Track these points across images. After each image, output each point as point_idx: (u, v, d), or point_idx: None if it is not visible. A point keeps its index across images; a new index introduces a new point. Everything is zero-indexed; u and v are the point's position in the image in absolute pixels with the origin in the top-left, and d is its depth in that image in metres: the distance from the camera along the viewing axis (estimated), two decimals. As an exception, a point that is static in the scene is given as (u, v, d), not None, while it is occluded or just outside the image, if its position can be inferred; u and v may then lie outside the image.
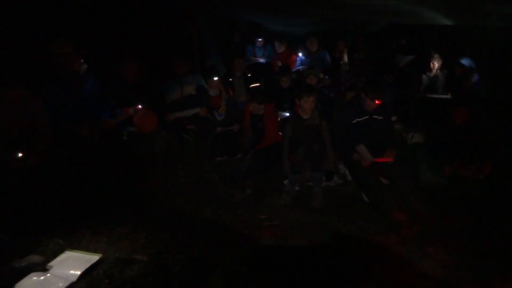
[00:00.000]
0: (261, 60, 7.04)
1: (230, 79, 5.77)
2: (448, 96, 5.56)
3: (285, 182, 4.18)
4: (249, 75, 6.05)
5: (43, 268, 2.87)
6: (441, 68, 5.75)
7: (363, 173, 3.88)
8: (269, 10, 6.44)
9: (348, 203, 3.95)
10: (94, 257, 2.98)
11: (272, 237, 3.31)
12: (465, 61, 5.47)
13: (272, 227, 3.48)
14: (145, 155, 4.21)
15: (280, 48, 6.88)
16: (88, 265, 2.88)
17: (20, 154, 3.37)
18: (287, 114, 5.37)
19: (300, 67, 6.69)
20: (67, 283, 2.71)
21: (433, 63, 5.70)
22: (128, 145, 4.14)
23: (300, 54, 6.78)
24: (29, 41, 4.10)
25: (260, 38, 7.11)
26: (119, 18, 5.16)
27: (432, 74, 5.76)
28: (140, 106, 4.07)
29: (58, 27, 4.22)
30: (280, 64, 6.59)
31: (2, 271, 2.71)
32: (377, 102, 3.76)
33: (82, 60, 3.95)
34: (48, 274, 2.81)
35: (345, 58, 6.98)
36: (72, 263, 2.93)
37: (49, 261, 2.97)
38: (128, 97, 4.19)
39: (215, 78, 5.09)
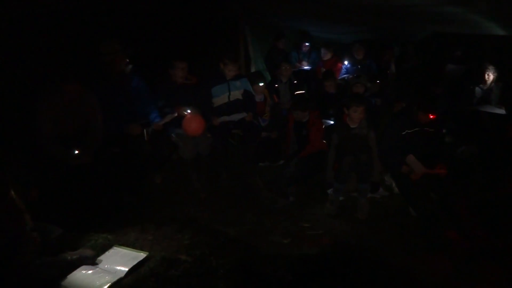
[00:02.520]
0: (306, 67, 7.01)
1: (276, 85, 5.79)
2: (503, 111, 5.28)
3: (329, 191, 4.12)
4: (295, 81, 6.05)
5: (93, 262, 2.96)
6: (497, 80, 5.48)
7: (411, 186, 3.75)
8: (316, 18, 6.41)
9: (394, 217, 3.82)
10: (141, 255, 3.05)
11: (316, 246, 3.26)
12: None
13: (316, 237, 3.43)
14: (190, 157, 4.27)
15: (326, 56, 6.83)
16: (135, 262, 2.94)
17: (76, 152, 3.52)
18: (332, 122, 5.31)
19: (345, 75, 6.60)
20: (115, 278, 2.78)
21: (487, 75, 5.42)
22: (175, 146, 4.22)
23: (345, 62, 6.70)
24: (82, 42, 4.29)
25: (307, 43, 7.08)
26: (170, 22, 5.32)
27: (486, 87, 5.49)
28: (188, 109, 4.14)
29: (111, 29, 4.40)
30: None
31: (56, 262, 2.82)
32: (431, 116, 3.65)
33: (127, 60, 4.06)
34: (98, 268, 2.90)
35: (393, 67, 6.83)
36: (120, 259, 3.01)
37: (99, 255, 3.06)
38: (177, 99, 4.29)
39: (261, 84, 5.12)
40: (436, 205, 3.74)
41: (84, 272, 2.85)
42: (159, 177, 4.45)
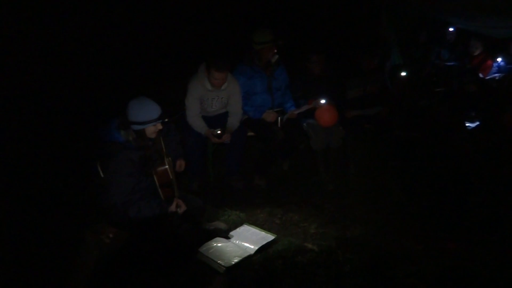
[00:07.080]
0: (450, 63, 6.38)
1: (412, 81, 5.42)
2: None
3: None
4: (434, 78, 5.59)
5: (226, 235, 3.17)
6: None
7: None
8: (467, 9, 5.77)
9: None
10: (270, 236, 3.15)
11: (455, 260, 2.97)
12: None
13: (454, 249, 3.11)
14: (320, 148, 4.25)
15: (475, 50, 6.11)
16: (264, 242, 3.05)
17: (218, 131, 3.79)
18: (475, 124, 4.78)
19: (496, 74, 5.85)
20: (245, 254, 2.92)
21: None
22: (306, 136, 4.26)
23: (498, 60, 5.92)
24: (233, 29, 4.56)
25: (451, 28, 6.43)
26: (309, 13, 5.35)
27: None
28: (323, 100, 4.12)
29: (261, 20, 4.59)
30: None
31: (197, 230, 3.09)
32: None
33: (275, 51, 4.19)
34: (230, 242, 3.08)
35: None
36: (250, 237, 3.16)
37: (231, 230, 3.27)
38: (312, 90, 4.30)
39: (403, 74, 4.85)
40: None
41: (215, 244, 3.03)
42: (286, 164, 4.56)
